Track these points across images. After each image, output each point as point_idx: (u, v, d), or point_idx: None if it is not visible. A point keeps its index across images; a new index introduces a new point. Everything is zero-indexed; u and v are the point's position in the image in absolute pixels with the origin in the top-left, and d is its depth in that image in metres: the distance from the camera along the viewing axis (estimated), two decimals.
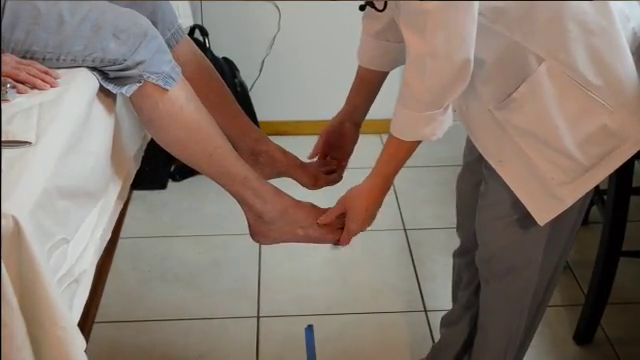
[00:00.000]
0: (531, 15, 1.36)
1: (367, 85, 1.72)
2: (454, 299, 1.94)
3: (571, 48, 1.36)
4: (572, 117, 1.41)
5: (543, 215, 1.51)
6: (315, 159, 1.81)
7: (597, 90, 1.38)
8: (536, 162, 1.46)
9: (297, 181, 1.79)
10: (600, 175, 1.47)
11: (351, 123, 1.77)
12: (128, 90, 1.48)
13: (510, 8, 1.36)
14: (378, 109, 1.77)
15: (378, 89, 1.73)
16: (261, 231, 1.67)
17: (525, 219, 1.54)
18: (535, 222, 1.52)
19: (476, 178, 1.67)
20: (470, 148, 1.71)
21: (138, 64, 1.46)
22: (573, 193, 1.48)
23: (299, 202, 1.67)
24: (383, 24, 1.60)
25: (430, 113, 1.41)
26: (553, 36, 1.36)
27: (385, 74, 1.70)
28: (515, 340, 1.73)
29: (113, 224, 1.56)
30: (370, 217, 1.61)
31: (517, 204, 1.52)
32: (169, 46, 1.60)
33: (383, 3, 1.47)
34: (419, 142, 1.49)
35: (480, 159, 1.58)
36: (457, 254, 1.90)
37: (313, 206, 1.69)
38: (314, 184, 1.79)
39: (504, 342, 1.74)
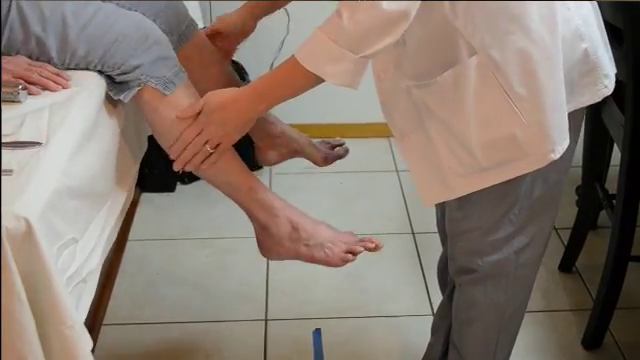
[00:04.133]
0: (480, 6, 1.32)
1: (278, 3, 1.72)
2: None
3: (506, 49, 1.33)
4: (485, 118, 1.38)
5: (430, 198, 1.54)
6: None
7: (518, 99, 1.36)
8: (438, 147, 1.45)
9: (309, 159, 1.84)
10: (493, 179, 1.45)
11: (253, 20, 1.75)
12: (126, 96, 1.48)
13: None
14: None
15: (283, 6, 1.74)
16: (267, 244, 1.65)
17: (496, 228, 1.53)
18: (506, 230, 1.52)
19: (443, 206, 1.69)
20: None
21: (136, 68, 1.47)
22: (464, 187, 1.47)
23: (306, 218, 1.63)
24: None
25: (345, 51, 1.30)
26: (493, 32, 1.33)
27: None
28: (492, 346, 1.72)
29: (120, 224, 1.57)
30: (220, 118, 1.46)
31: (487, 214, 1.52)
32: (185, 37, 1.61)
33: None
34: (314, 81, 1.35)
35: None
36: (442, 263, 1.89)
37: (319, 225, 1.64)
38: (324, 160, 1.85)
39: (480, 348, 1.73)
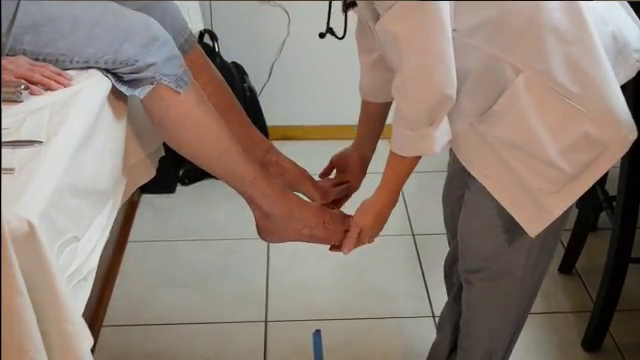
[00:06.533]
0: (505, 27, 1.36)
1: (372, 118, 1.72)
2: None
3: (547, 57, 1.36)
4: (553, 126, 1.40)
5: (533, 227, 1.50)
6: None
7: (576, 98, 1.38)
8: (521, 173, 1.45)
9: (305, 194, 1.78)
10: (587, 183, 1.46)
11: (359, 155, 1.77)
12: (141, 92, 1.49)
13: (483, 22, 1.36)
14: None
15: (383, 120, 1.73)
16: (268, 229, 1.70)
17: (509, 226, 1.53)
18: (519, 228, 1.51)
19: (461, 190, 1.66)
20: (454, 159, 1.70)
21: (150, 66, 1.47)
22: (560, 203, 1.47)
23: (306, 202, 1.70)
24: (378, 54, 1.60)
25: (421, 131, 1.41)
26: (529, 46, 1.36)
27: (388, 104, 1.69)
28: (498, 346, 1.73)
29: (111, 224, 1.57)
30: (378, 229, 1.63)
31: (502, 212, 1.52)
32: (182, 52, 1.61)
33: (343, 30, 1.54)
34: (416, 160, 1.50)
35: (464, 169, 1.56)
36: (450, 263, 1.90)
37: (320, 206, 1.71)
38: (322, 198, 1.79)
39: (487, 348, 1.73)
